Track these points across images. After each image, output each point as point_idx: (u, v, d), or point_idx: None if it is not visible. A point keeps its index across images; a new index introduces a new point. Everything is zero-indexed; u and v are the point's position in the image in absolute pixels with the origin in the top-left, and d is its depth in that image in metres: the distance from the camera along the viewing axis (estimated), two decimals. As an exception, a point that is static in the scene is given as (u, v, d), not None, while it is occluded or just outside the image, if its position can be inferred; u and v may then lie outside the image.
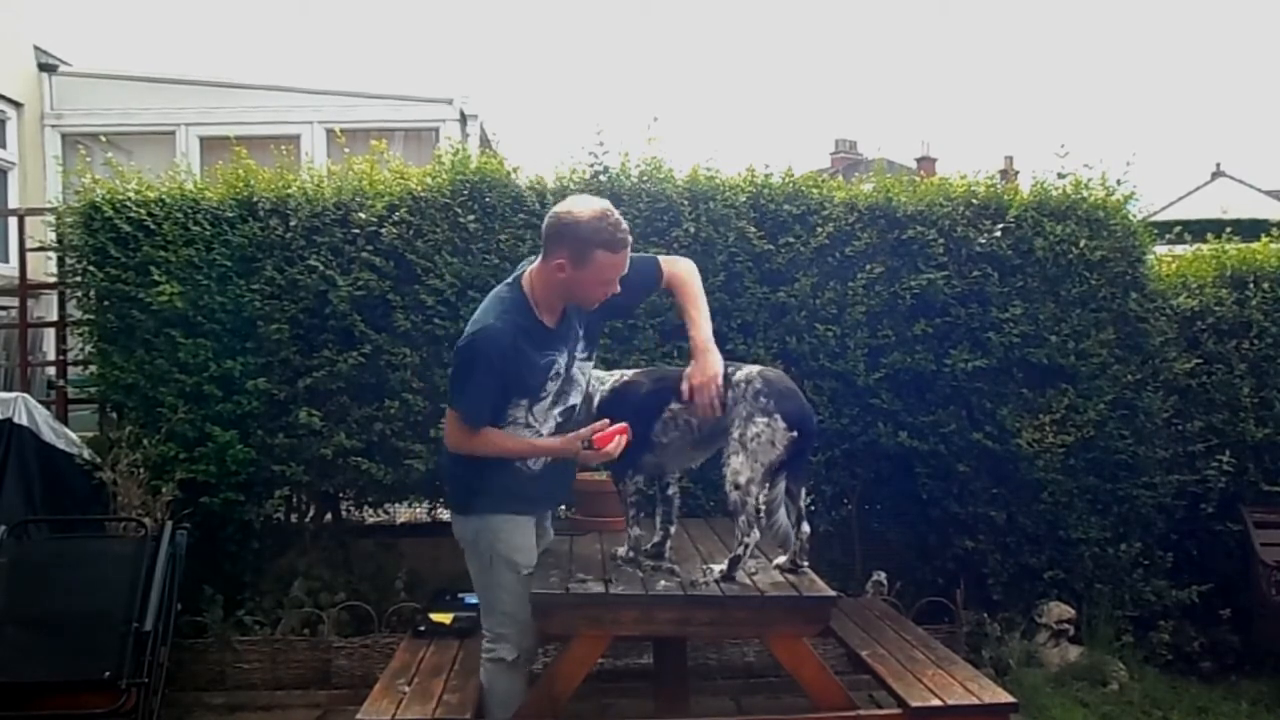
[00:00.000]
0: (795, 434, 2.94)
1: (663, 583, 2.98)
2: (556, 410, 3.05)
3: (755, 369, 3.07)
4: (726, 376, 3.02)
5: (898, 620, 4.16)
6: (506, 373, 2.90)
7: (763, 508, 2.94)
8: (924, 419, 4.75)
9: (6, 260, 6.81)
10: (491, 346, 2.86)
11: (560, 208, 2.92)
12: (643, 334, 4.61)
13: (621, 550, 3.20)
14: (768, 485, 2.93)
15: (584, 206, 2.88)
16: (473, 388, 2.90)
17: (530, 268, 3.00)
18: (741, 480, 2.91)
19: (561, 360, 3.00)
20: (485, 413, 2.94)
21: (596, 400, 3.18)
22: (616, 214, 2.89)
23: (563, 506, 3.78)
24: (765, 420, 2.93)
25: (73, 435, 4.64)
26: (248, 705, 4.39)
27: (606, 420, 2.97)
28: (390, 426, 4.54)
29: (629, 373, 3.27)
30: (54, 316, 5.49)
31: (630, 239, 2.91)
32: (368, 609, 4.55)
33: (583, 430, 2.97)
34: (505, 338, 2.87)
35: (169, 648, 4.04)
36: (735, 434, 2.95)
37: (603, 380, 3.23)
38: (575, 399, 3.10)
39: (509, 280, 3.04)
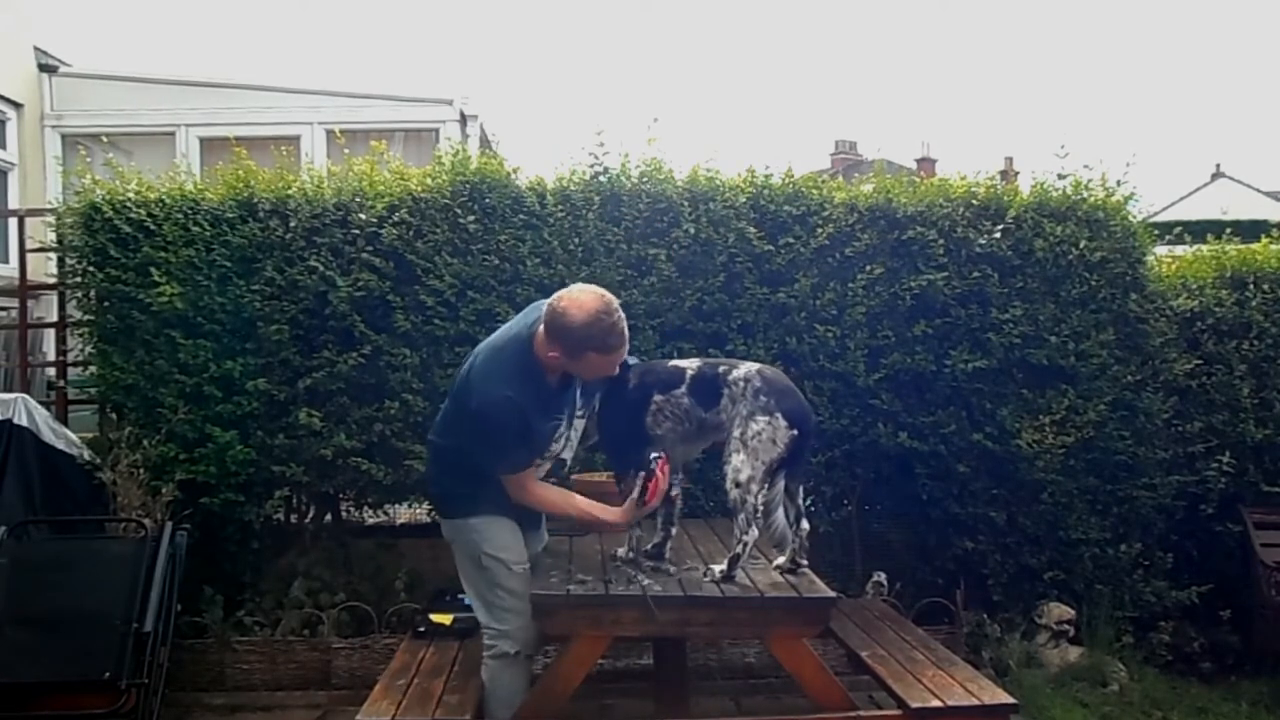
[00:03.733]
0: (796, 432, 2.94)
1: (662, 583, 2.98)
2: (547, 463, 3.18)
3: (753, 367, 3.07)
4: (722, 375, 3.03)
5: (898, 621, 4.16)
6: (524, 435, 2.98)
7: (761, 506, 2.94)
8: (924, 420, 4.75)
9: (6, 261, 6.81)
10: (509, 416, 2.91)
11: (560, 301, 2.90)
12: (643, 334, 4.60)
13: (622, 550, 3.20)
14: (767, 484, 2.94)
15: (579, 309, 2.86)
16: (509, 451, 2.99)
17: (535, 335, 2.98)
18: (742, 478, 2.92)
19: (564, 422, 3.11)
20: (524, 464, 3.03)
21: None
22: (614, 313, 2.87)
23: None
24: (767, 419, 2.93)
25: (73, 436, 4.64)
26: (248, 706, 4.39)
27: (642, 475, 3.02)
28: (390, 427, 4.54)
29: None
30: (54, 317, 5.49)
31: (626, 336, 2.92)
32: (368, 609, 4.55)
33: (634, 499, 3.04)
34: (516, 409, 2.92)
35: (169, 648, 4.04)
36: (736, 432, 2.95)
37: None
38: (567, 454, 3.21)
39: (522, 333, 3.01)
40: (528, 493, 3.07)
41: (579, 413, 3.16)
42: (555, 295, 2.96)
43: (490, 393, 2.91)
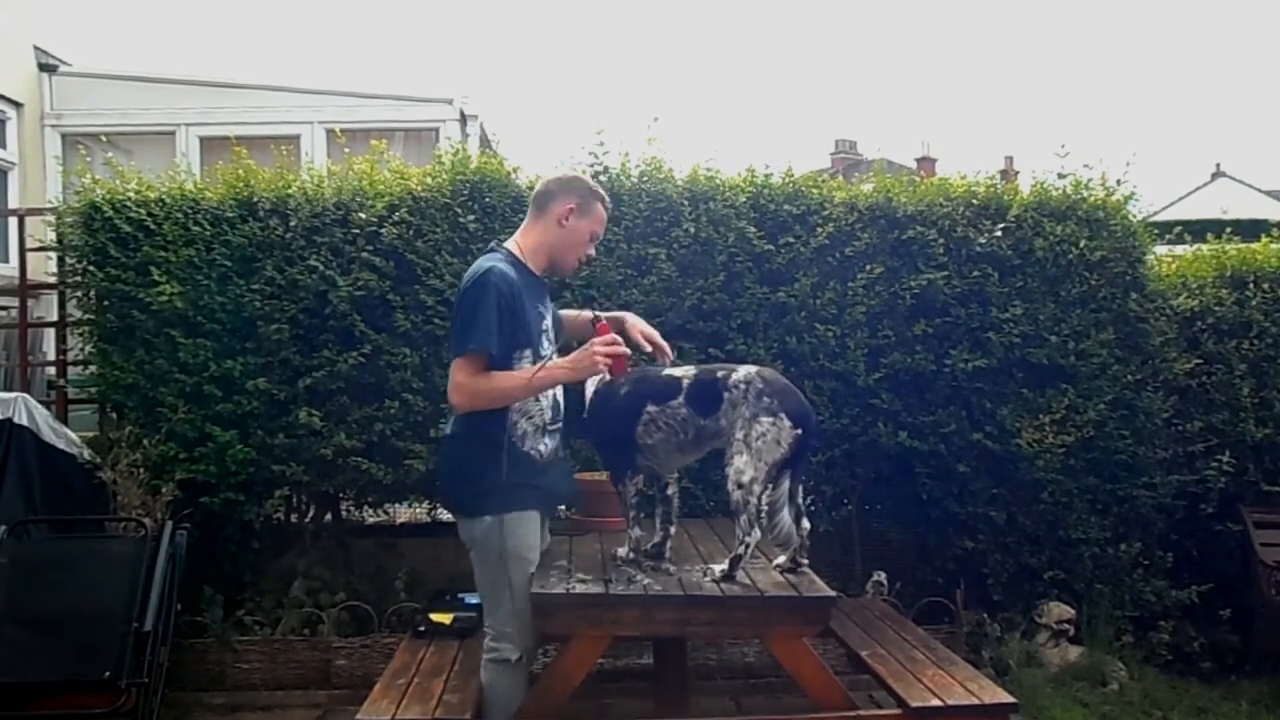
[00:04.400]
0: (799, 431, 2.94)
1: (662, 583, 2.98)
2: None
3: (753, 369, 3.06)
4: (721, 380, 3.02)
5: (898, 620, 4.16)
6: (515, 312, 2.93)
7: (765, 507, 2.94)
8: (924, 419, 4.75)
9: (6, 260, 6.81)
10: (501, 281, 2.92)
11: (561, 172, 3.24)
12: (643, 334, 4.60)
13: (622, 550, 3.20)
14: (771, 485, 2.93)
15: (581, 174, 3.23)
16: (483, 319, 2.88)
17: (511, 239, 3.14)
18: (745, 480, 2.91)
19: (549, 318, 3.10)
20: (495, 343, 2.90)
21: (589, 388, 3.19)
22: None
23: (563, 506, 3.78)
24: (771, 420, 2.92)
25: (73, 435, 4.64)
26: (248, 705, 4.39)
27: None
28: (390, 426, 4.54)
29: None
30: (54, 316, 5.49)
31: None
32: (368, 609, 4.55)
33: (587, 347, 2.92)
34: (511, 277, 2.96)
35: (169, 648, 4.04)
36: (739, 434, 2.94)
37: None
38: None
39: (502, 242, 3.14)
40: (470, 381, 2.88)
41: (552, 335, 3.12)
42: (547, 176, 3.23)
43: (486, 268, 2.96)
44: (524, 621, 2.99)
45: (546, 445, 3.05)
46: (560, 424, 3.13)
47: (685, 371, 3.12)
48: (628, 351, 2.95)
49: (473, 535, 3.04)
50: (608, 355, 2.87)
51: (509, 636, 3.02)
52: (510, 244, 3.12)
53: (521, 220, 4.58)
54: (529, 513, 3.03)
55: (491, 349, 2.90)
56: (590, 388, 3.19)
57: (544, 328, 3.05)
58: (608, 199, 3.20)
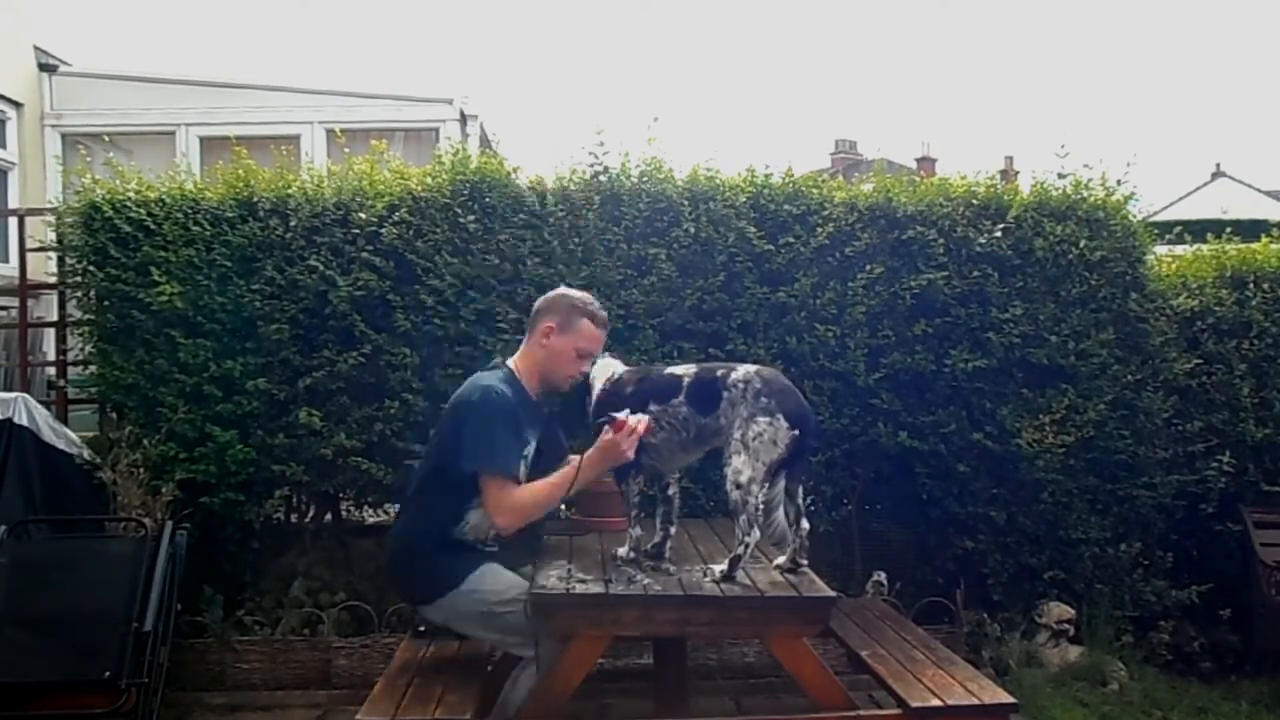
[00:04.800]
0: (797, 432, 2.94)
1: (662, 583, 2.98)
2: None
3: (752, 369, 3.07)
4: (720, 378, 3.03)
5: (898, 620, 4.15)
6: (516, 435, 3.04)
7: (761, 506, 2.94)
8: (924, 419, 4.75)
9: (6, 260, 6.81)
10: (505, 402, 3.03)
11: (551, 293, 3.30)
12: (643, 334, 4.61)
13: (622, 550, 3.20)
14: (767, 484, 2.94)
15: (572, 289, 3.33)
16: (501, 439, 3.01)
17: (513, 357, 3.25)
18: (743, 480, 2.91)
19: (532, 444, 3.14)
20: (512, 466, 3.02)
21: (596, 390, 3.21)
22: (598, 304, 3.26)
23: (562, 506, 3.77)
24: (768, 420, 2.93)
25: (73, 435, 4.64)
26: (248, 705, 4.39)
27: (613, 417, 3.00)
28: (390, 426, 4.54)
29: (620, 370, 3.28)
30: (54, 316, 5.48)
31: (607, 326, 3.25)
32: (368, 609, 4.55)
33: (606, 438, 2.99)
34: (509, 398, 3.06)
35: (169, 648, 4.04)
36: (737, 434, 2.94)
37: (595, 375, 3.24)
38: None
39: (498, 366, 3.22)
40: (512, 497, 2.99)
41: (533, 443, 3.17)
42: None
43: (488, 386, 3.08)
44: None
45: (487, 538, 3.14)
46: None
47: (686, 370, 3.15)
48: (649, 424, 3.01)
49: (444, 615, 3.14)
50: (630, 443, 2.95)
51: (528, 645, 3.04)
52: (511, 362, 3.22)
53: (521, 221, 4.66)
54: (488, 564, 3.11)
55: (511, 470, 3.01)
56: (597, 387, 3.22)
57: (525, 454, 3.11)
58: (598, 312, 3.20)
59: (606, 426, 2.99)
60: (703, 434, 3.07)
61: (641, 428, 2.95)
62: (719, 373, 3.07)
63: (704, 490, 4.35)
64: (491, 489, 3.00)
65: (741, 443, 2.93)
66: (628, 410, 3.00)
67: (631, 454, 2.97)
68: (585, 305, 3.20)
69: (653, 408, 3.07)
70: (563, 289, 3.35)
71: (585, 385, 3.24)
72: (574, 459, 3.08)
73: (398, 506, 3.49)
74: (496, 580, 3.09)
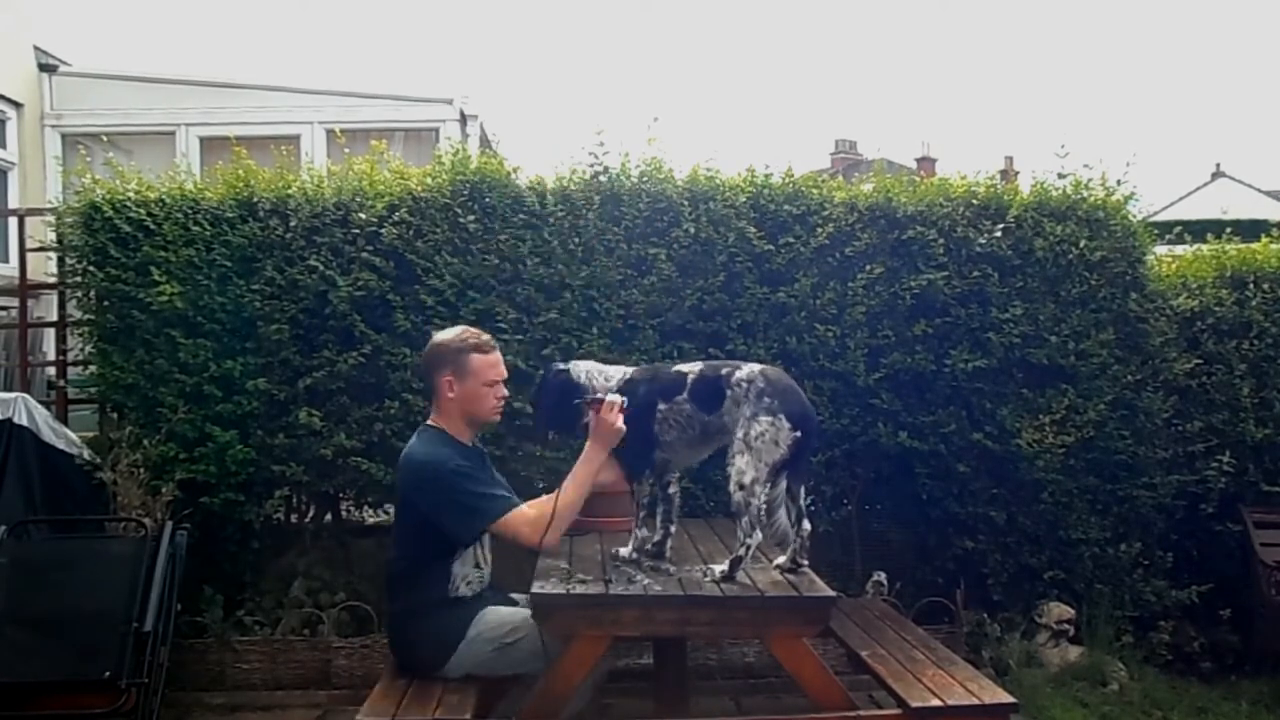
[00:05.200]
0: (799, 433, 2.94)
1: (662, 583, 2.98)
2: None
3: (756, 368, 3.07)
4: (724, 376, 3.03)
5: (898, 620, 4.15)
6: (483, 481, 3.10)
7: (764, 508, 2.94)
8: (924, 419, 4.75)
9: (6, 260, 6.81)
10: (455, 461, 3.09)
11: (427, 346, 3.28)
12: (643, 334, 4.61)
13: (625, 550, 3.20)
14: (769, 485, 2.93)
15: (440, 335, 3.27)
16: (480, 488, 3.07)
17: (431, 419, 3.26)
18: (746, 480, 2.91)
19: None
20: (506, 502, 3.07)
21: (597, 391, 3.18)
22: (473, 330, 3.28)
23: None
24: (769, 419, 2.93)
25: (73, 435, 4.64)
26: (248, 705, 4.39)
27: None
28: (390, 426, 4.54)
29: (629, 371, 3.27)
30: (54, 316, 5.48)
31: (493, 341, 3.26)
32: (368, 609, 4.54)
33: (596, 419, 3.05)
34: (457, 455, 3.12)
35: (169, 648, 4.03)
36: (739, 434, 2.95)
37: (608, 377, 3.23)
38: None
39: (421, 430, 3.26)
40: (538, 515, 3.00)
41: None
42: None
43: (431, 455, 3.11)
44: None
45: (477, 583, 3.22)
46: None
47: (692, 368, 3.16)
48: (622, 402, 3.05)
49: (463, 668, 3.13)
50: (615, 415, 3.00)
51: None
52: (434, 423, 3.23)
53: (521, 221, 4.65)
54: (482, 609, 3.15)
55: (512, 505, 3.05)
56: (607, 386, 3.20)
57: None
58: (480, 341, 3.20)
59: (589, 410, 3.05)
60: (708, 431, 3.08)
61: (616, 402, 3.02)
62: (723, 371, 3.08)
63: (704, 490, 4.35)
64: (514, 526, 3.03)
65: (744, 442, 2.93)
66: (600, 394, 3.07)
67: (621, 423, 3.01)
68: (464, 343, 3.19)
69: (660, 405, 3.08)
70: (434, 339, 3.28)
71: (567, 387, 3.19)
72: (586, 473, 3.11)
73: (386, 583, 3.45)
74: (498, 616, 3.16)
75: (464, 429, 3.23)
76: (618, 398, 3.04)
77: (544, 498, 3.11)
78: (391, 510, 5.25)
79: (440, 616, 3.13)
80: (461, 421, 3.22)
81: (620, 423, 3.01)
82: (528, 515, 3.03)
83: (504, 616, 3.16)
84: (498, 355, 3.24)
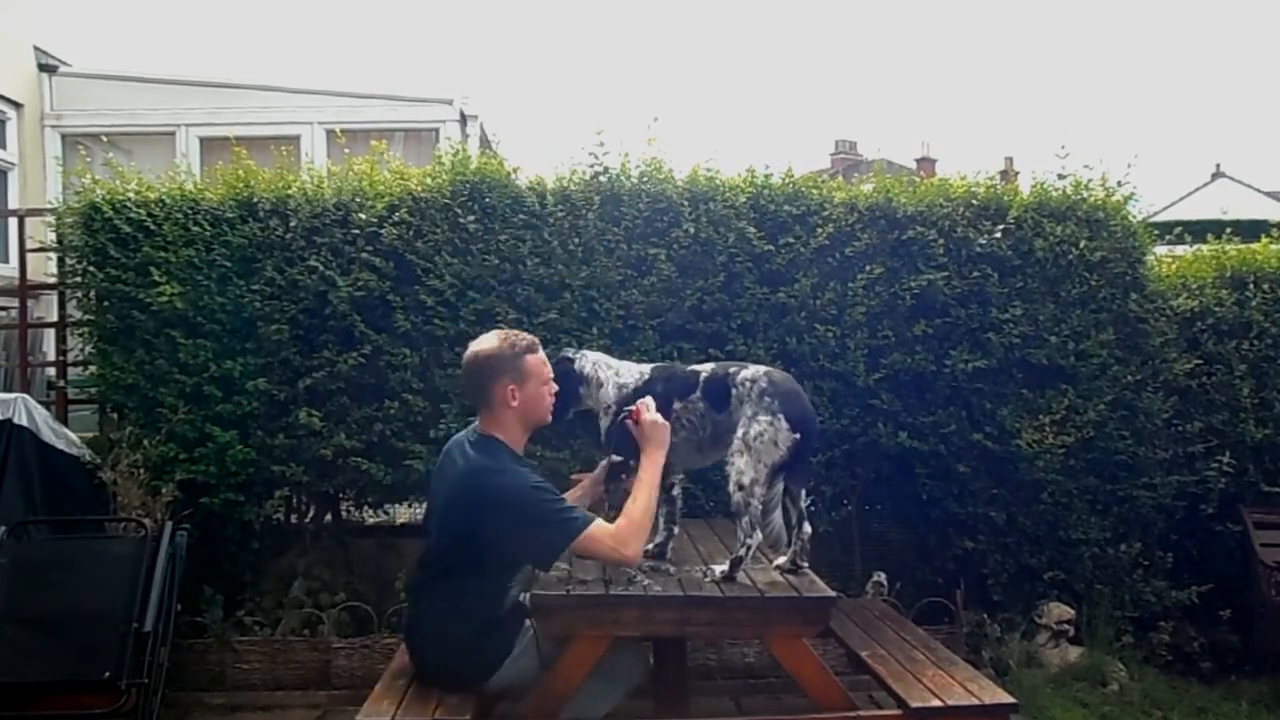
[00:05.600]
0: (798, 436, 2.95)
1: (662, 583, 2.99)
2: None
3: (761, 369, 3.09)
4: (730, 375, 3.05)
5: (898, 621, 4.15)
6: (558, 495, 2.98)
7: (761, 508, 2.94)
8: (924, 419, 4.75)
9: (6, 261, 6.81)
10: (528, 476, 2.96)
11: (470, 358, 3.07)
12: (643, 334, 4.61)
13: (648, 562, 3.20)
14: (767, 485, 2.94)
15: (483, 343, 3.07)
16: (559, 504, 2.93)
17: (483, 428, 3.06)
18: (745, 481, 2.92)
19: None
20: (581, 515, 2.93)
21: (611, 394, 3.19)
22: (513, 332, 3.14)
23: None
24: (769, 419, 2.94)
25: (73, 435, 4.64)
26: (248, 705, 4.39)
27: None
28: (390, 427, 4.54)
29: (646, 371, 3.27)
30: (54, 317, 5.48)
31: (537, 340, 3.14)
32: (368, 609, 4.55)
33: (642, 422, 3.02)
34: (526, 470, 3.01)
35: (169, 648, 4.03)
36: (739, 433, 2.96)
37: (619, 372, 3.23)
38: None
39: (476, 440, 3.05)
40: (621, 530, 2.87)
41: None
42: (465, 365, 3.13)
43: (503, 469, 2.94)
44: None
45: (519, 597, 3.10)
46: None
47: (704, 368, 3.20)
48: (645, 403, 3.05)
49: (503, 684, 3.03)
50: (655, 413, 2.99)
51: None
52: (496, 435, 3.03)
53: (521, 222, 4.65)
54: (528, 624, 3.05)
55: (589, 521, 2.89)
56: (608, 379, 3.23)
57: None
58: (528, 339, 3.08)
59: (627, 421, 3.03)
60: (719, 430, 3.09)
61: (649, 401, 3.03)
62: (730, 370, 3.12)
63: (704, 490, 4.35)
64: (597, 541, 2.86)
65: (744, 442, 2.94)
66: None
67: (663, 423, 2.99)
68: (515, 345, 3.04)
69: (675, 404, 3.10)
70: (478, 350, 3.06)
71: (576, 376, 3.22)
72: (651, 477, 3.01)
73: (415, 589, 3.28)
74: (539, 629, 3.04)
75: (521, 437, 3.08)
76: (647, 398, 3.04)
77: (630, 502, 2.96)
78: (392, 511, 5.29)
79: (488, 636, 3.00)
80: (520, 429, 3.07)
81: (661, 419, 2.99)
82: (608, 529, 2.88)
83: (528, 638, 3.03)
84: (542, 352, 3.12)
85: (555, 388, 3.10)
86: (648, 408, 3.01)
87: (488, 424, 3.06)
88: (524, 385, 3.01)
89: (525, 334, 3.14)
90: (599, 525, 2.88)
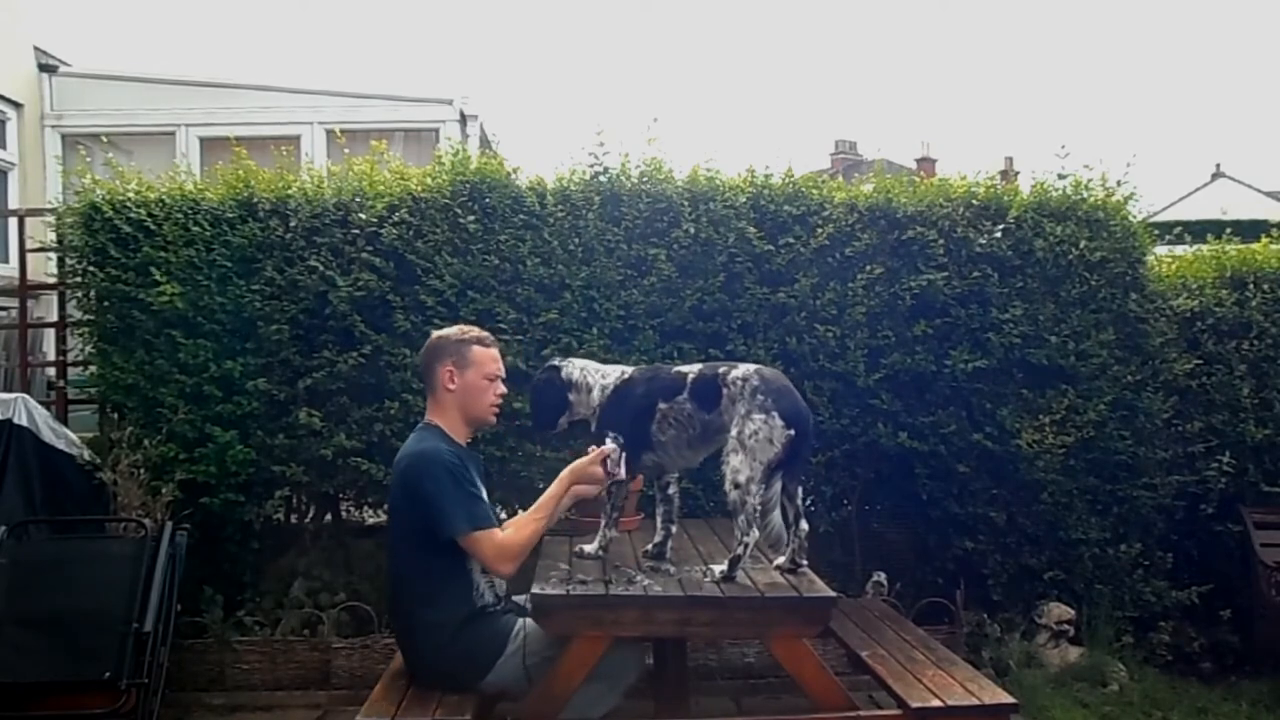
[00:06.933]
0: (792, 432, 2.94)
1: (662, 583, 2.99)
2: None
3: (751, 367, 3.09)
4: (721, 375, 3.05)
5: (898, 621, 4.15)
6: (472, 485, 3.01)
7: (759, 507, 2.94)
8: (924, 419, 4.75)
9: (6, 261, 6.81)
10: (453, 461, 2.99)
11: (426, 343, 3.22)
12: (643, 334, 4.61)
13: (589, 548, 3.23)
14: (764, 484, 2.94)
15: (440, 332, 3.23)
16: (470, 498, 2.96)
17: (427, 417, 3.19)
18: (741, 479, 2.92)
19: (483, 493, 3.10)
20: (486, 516, 2.98)
21: (597, 396, 3.20)
22: (474, 327, 3.27)
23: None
24: (763, 417, 2.94)
25: (73, 436, 4.64)
26: (248, 705, 4.39)
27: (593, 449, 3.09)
28: (390, 427, 4.54)
29: (628, 371, 3.28)
30: (54, 317, 5.49)
31: (496, 341, 3.23)
32: (368, 609, 4.55)
33: (579, 462, 3.07)
34: (457, 456, 3.04)
35: (169, 648, 4.03)
36: (734, 432, 2.96)
37: (604, 375, 3.24)
38: None
39: (417, 429, 3.18)
40: (506, 544, 2.93)
41: None
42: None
43: (430, 449, 3.02)
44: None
45: (500, 586, 3.14)
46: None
47: (691, 368, 3.18)
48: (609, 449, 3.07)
49: (498, 684, 3.03)
50: (597, 466, 3.03)
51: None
52: (434, 422, 3.15)
53: (521, 222, 4.65)
54: (518, 621, 3.07)
55: (487, 522, 2.96)
56: (594, 383, 3.23)
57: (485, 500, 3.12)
58: (482, 335, 3.18)
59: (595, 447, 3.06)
60: (708, 430, 3.09)
61: (607, 452, 3.04)
62: (720, 370, 3.10)
63: (704, 490, 4.35)
64: (483, 544, 2.93)
65: (738, 440, 2.94)
66: (608, 439, 3.07)
67: (603, 474, 3.03)
68: (466, 335, 3.16)
69: (661, 405, 3.10)
70: (434, 335, 3.23)
71: (566, 383, 3.24)
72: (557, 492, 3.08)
73: (392, 598, 3.25)
74: (532, 628, 3.04)
75: (461, 427, 3.16)
76: (611, 448, 3.05)
77: (519, 518, 3.07)
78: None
79: (471, 632, 3.00)
80: (460, 419, 3.15)
81: (601, 474, 3.03)
82: (496, 541, 2.93)
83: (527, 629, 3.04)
84: (498, 351, 3.21)
85: (502, 389, 3.19)
86: (599, 455, 3.03)
87: (431, 412, 3.18)
88: (464, 372, 3.10)
89: (486, 332, 3.24)
90: (490, 532, 2.94)
